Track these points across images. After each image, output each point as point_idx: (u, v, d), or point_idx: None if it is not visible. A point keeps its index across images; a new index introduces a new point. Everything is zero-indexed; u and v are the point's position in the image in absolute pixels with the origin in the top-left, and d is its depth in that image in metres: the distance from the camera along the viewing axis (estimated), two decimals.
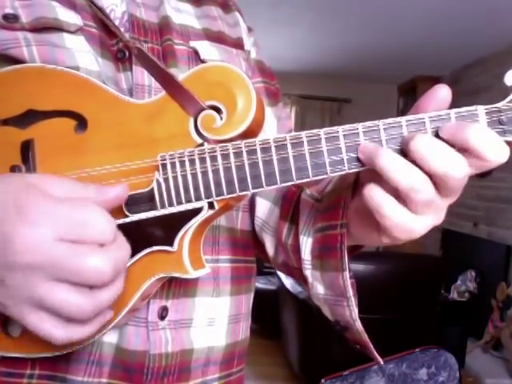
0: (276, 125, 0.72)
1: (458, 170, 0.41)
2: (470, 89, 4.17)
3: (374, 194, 0.43)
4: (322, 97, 5.16)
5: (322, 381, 1.30)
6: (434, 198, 0.42)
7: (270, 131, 0.70)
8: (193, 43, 0.63)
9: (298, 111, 5.16)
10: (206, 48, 0.64)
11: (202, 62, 0.62)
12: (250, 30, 0.75)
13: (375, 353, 0.55)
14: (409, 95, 4.89)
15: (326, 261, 0.55)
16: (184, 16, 0.65)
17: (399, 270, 2.57)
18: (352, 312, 0.53)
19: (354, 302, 0.52)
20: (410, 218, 0.43)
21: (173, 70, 0.58)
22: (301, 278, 0.61)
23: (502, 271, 3.34)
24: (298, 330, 2.87)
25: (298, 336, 2.87)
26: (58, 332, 0.40)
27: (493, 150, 0.40)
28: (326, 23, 3.53)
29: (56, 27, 0.53)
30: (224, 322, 0.61)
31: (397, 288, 2.56)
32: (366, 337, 0.54)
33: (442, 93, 0.44)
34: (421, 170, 0.41)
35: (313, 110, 5.18)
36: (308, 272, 0.58)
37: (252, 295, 0.69)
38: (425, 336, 2.55)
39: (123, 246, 0.42)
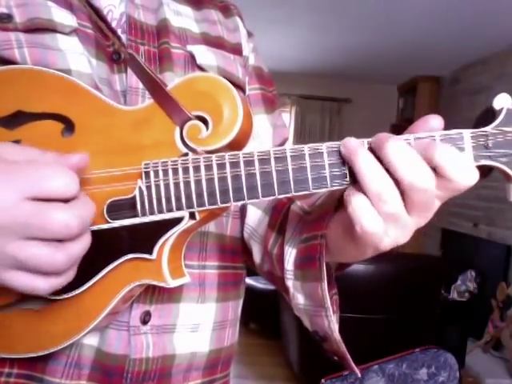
0: (271, 133, 0.71)
1: (423, 179, 0.40)
2: (470, 89, 4.17)
3: (354, 197, 0.42)
4: (322, 97, 5.16)
5: (322, 381, 1.30)
6: (400, 211, 0.42)
7: (265, 139, 0.70)
8: (190, 47, 0.62)
9: (298, 111, 5.16)
10: (203, 52, 0.63)
11: (199, 66, 0.62)
12: (250, 35, 0.74)
13: (352, 364, 0.54)
14: (409, 95, 4.89)
15: (307, 271, 0.54)
16: (183, 19, 0.64)
17: (399, 269, 2.57)
18: (330, 322, 0.52)
19: (331, 312, 0.52)
20: (380, 227, 0.42)
21: (168, 74, 0.58)
22: (283, 289, 0.61)
23: (501, 271, 3.33)
24: (298, 330, 2.87)
25: (298, 336, 2.87)
26: (37, 285, 0.41)
27: (460, 172, 0.40)
28: (326, 23, 3.53)
29: (50, 28, 0.53)
30: (208, 328, 0.61)
31: (397, 288, 2.56)
32: (343, 347, 0.53)
33: (434, 123, 0.44)
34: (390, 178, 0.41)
35: (313, 110, 5.18)
36: (290, 282, 0.58)
37: (241, 301, 0.69)
38: (425, 336, 2.55)
39: (87, 202, 0.43)
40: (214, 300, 0.61)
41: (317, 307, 0.54)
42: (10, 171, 0.39)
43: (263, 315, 3.50)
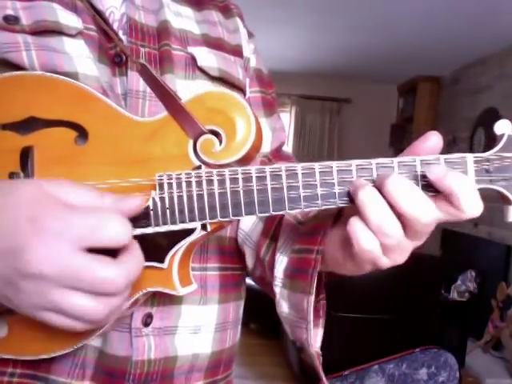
0: (270, 137, 0.71)
1: (426, 214, 0.42)
2: (470, 89, 4.16)
3: (355, 226, 0.44)
4: (322, 97, 5.16)
5: None
6: (401, 241, 0.43)
7: (264, 143, 0.70)
8: (191, 49, 0.62)
9: (297, 111, 5.16)
10: (203, 54, 0.63)
11: (199, 68, 0.62)
12: (250, 35, 0.74)
13: (324, 379, 0.55)
14: (409, 95, 4.89)
15: (296, 282, 0.55)
16: (184, 20, 0.64)
17: (399, 270, 2.56)
18: (309, 336, 0.53)
19: (311, 327, 0.53)
20: (377, 246, 0.44)
21: (169, 76, 0.58)
22: (272, 295, 0.61)
23: (501, 271, 3.33)
24: None
25: None
26: (74, 327, 0.41)
27: (471, 204, 0.43)
28: (326, 23, 3.53)
29: (56, 30, 0.52)
30: (210, 329, 0.61)
31: (397, 288, 2.56)
32: (317, 363, 0.54)
33: (433, 140, 0.45)
34: (393, 213, 0.43)
35: (313, 110, 5.18)
36: (277, 289, 0.58)
37: (242, 302, 0.69)
38: (425, 336, 2.55)
39: (137, 255, 0.43)
40: (216, 302, 0.62)
41: (299, 319, 0.54)
42: (64, 218, 0.39)
43: (263, 315, 3.49)
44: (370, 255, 0.44)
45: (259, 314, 3.58)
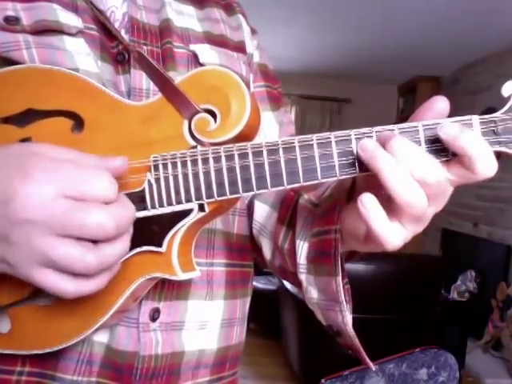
0: (278, 130, 0.71)
1: (431, 174, 0.41)
2: (470, 89, 4.17)
3: (368, 205, 0.42)
4: (322, 97, 5.16)
5: (322, 381, 1.30)
6: (425, 210, 0.42)
7: (271, 137, 0.70)
8: (193, 46, 0.63)
9: (297, 111, 5.17)
10: (206, 52, 0.63)
11: (202, 65, 0.62)
12: (253, 32, 0.74)
13: (367, 358, 0.55)
14: (409, 95, 4.89)
15: (320, 265, 0.55)
16: (185, 19, 0.65)
17: (399, 270, 2.57)
18: (344, 317, 0.53)
19: (346, 307, 0.52)
20: (398, 229, 0.43)
21: (171, 74, 0.58)
22: (296, 283, 0.61)
23: (501, 271, 3.33)
24: (298, 329, 2.87)
25: (298, 336, 2.87)
26: (66, 287, 0.40)
27: (485, 164, 0.40)
28: (326, 23, 3.53)
29: (57, 30, 0.53)
30: (216, 325, 0.61)
31: (397, 288, 2.56)
32: (357, 341, 0.53)
33: (440, 105, 0.43)
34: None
35: (313, 110, 5.18)
36: (303, 276, 0.58)
37: (249, 300, 0.69)
38: (425, 336, 2.55)
39: (127, 205, 0.43)
40: (222, 297, 0.62)
41: (330, 301, 0.54)
42: (52, 169, 0.40)
43: (263, 315, 3.50)
44: (393, 239, 0.43)
45: (259, 314, 3.58)
